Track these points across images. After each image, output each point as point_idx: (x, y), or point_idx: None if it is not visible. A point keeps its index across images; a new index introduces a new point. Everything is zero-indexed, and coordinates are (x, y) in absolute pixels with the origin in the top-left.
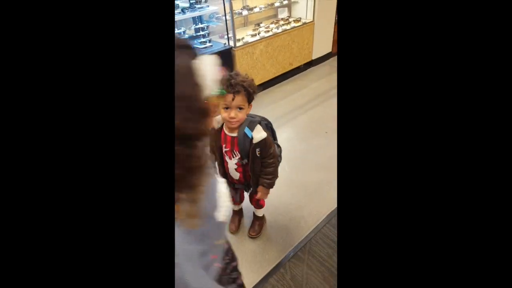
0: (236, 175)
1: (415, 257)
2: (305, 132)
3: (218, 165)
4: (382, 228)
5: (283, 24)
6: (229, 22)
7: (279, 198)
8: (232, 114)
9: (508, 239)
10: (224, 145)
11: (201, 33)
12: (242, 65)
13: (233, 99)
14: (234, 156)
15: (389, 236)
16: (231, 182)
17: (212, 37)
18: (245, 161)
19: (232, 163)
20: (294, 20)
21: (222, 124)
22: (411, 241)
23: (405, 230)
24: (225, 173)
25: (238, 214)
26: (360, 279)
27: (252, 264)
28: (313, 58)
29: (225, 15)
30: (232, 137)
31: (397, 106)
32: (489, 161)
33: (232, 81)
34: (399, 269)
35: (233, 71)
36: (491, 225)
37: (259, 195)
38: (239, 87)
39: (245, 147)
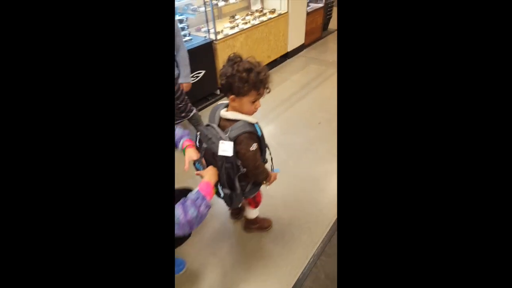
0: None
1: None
2: (298, 125)
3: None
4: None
5: (259, 16)
6: (207, 14)
7: (292, 195)
8: (259, 103)
9: (507, 240)
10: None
11: (180, 25)
12: (223, 60)
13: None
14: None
15: (388, 235)
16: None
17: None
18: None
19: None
20: (269, 11)
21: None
22: (414, 238)
23: (406, 228)
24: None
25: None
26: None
27: (283, 266)
28: (289, 50)
29: (205, 6)
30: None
31: (397, 98)
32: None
33: (262, 76)
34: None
35: (245, 63)
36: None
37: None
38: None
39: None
